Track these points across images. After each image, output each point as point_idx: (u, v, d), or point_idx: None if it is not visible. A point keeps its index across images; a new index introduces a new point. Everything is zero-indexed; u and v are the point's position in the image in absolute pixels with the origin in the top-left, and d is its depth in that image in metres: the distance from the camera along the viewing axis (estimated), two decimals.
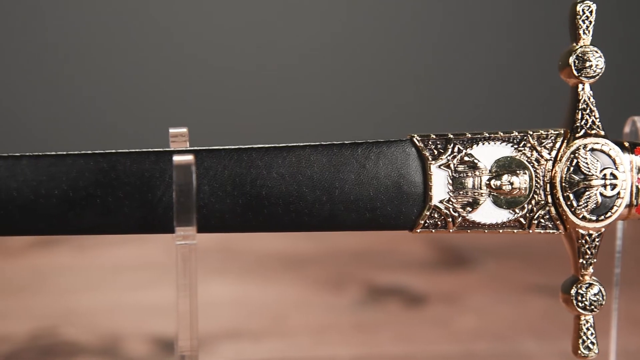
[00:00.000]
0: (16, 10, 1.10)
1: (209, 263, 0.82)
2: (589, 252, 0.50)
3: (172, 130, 0.50)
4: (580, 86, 0.50)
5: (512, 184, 0.49)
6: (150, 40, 1.13)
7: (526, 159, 0.49)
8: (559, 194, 0.49)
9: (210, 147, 0.49)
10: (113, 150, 0.48)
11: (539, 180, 0.49)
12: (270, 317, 0.75)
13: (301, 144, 0.49)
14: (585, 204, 0.49)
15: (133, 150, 0.48)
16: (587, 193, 0.49)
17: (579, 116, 0.50)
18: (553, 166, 0.49)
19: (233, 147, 0.49)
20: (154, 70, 1.14)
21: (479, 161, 0.49)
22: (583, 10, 0.50)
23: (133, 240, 0.87)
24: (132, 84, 1.13)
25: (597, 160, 0.49)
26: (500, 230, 0.50)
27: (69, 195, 0.47)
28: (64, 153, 0.47)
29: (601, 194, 0.49)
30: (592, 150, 0.49)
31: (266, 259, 0.85)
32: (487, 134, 0.49)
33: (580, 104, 0.50)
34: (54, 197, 0.47)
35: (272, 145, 0.49)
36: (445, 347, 0.70)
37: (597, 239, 0.49)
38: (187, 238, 0.47)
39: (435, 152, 0.49)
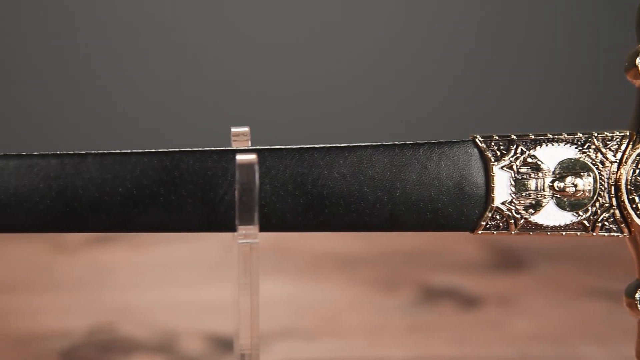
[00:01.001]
0: (85, 8, 1.11)
1: (262, 262, 0.82)
2: None
3: (234, 130, 0.50)
4: None
5: (575, 186, 0.48)
6: (215, 40, 1.14)
7: (590, 160, 0.49)
8: (624, 197, 0.48)
9: (272, 147, 0.49)
10: (176, 149, 0.49)
11: (603, 183, 0.48)
12: (323, 317, 0.75)
13: (363, 144, 0.49)
14: None
15: (196, 149, 0.49)
16: None
17: None
18: (618, 168, 0.48)
19: (295, 146, 0.49)
20: (216, 70, 1.15)
21: (542, 163, 0.49)
22: None
23: (188, 238, 0.88)
24: (194, 83, 1.14)
25: None
26: (563, 233, 0.49)
27: (132, 193, 0.48)
28: (128, 151, 0.48)
29: None
30: None
31: (319, 258, 0.86)
32: (550, 135, 0.49)
33: None
34: (118, 195, 0.48)
35: (334, 145, 0.49)
36: (500, 350, 0.70)
37: None
38: (249, 237, 0.48)
39: (498, 153, 0.49)
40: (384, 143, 0.49)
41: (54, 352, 0.69)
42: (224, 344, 0.71)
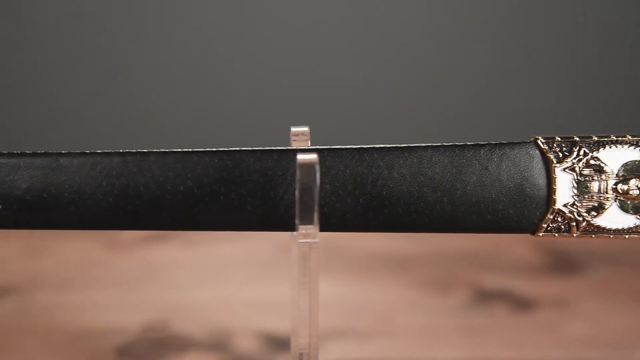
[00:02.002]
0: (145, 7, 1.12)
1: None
2: None
3: (293, 129, 0.51)
4: None
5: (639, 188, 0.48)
6: (275, 40, 1.14)
7: None
8: None
9: (332, 147, 0.49)
10: (237, 148, 0.49)
11: None
12: (376, 317, 0.75)
13: (423, 145, 0.49)
14: None
15: (256, 148, 0.49)
16: None
17: None
18: None
19: (355, 146, 0.49)
20: (276, 70, 1.15)
21: (605, 165, 0.48)
22: None
23: (241, 237, 0.88)
24: (254, 83, 1.15)
25: None
26: (626, 236, 0.48)
27: (193, 191, 0.48)
28: (190, 150, 0.49)
29: None
30: None
31: (371, 258, 0.85)
32: (614, 137, 0.48)
33: None
34: (180, 193, 0.48)
35: (394, 145, 0.49)
36: (555, 354, 0.69)
37: None
38: (309, 236, 0.48)
39: (560, 154, 0.48)
40: (444, 144, 0.49)
41: (109, 348, 0.70)
42: (278, 342, 0.71)
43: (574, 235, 0.48)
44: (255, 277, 0.82)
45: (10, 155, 0.47)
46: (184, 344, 0.71)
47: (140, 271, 0.82)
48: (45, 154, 0.48)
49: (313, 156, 0.47)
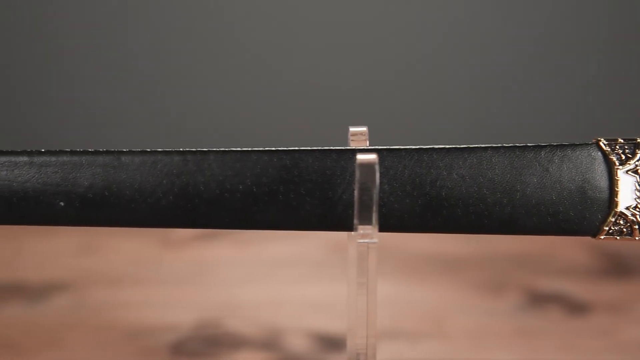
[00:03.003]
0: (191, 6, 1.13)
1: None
2: None
3: (352, 129, 0.51)
4: None
5: None
6: (332, 39, 1.14)
7: None
8: None
9: (391, 147, 0.49)
10: (296, 148, 0.49)
11: None
12: (427, 319, 0.75)
13: (482, 145, 0.49)
14: None
15: (315, 148, 0.49)
16: None
17: None
18: None
19: (414, 147, 0.49)
20: (333, 69, 1.15)
21: None
22: None
23: (291, 236, 0.88)
24: (312, 82, 1.15)
25: None
26: None
27: (252, 190, 0.48)
28: (249, 149, 0.49)
29: None
30: None
31: (422, 259, 0.85)
32: None
33: None
34: (239, 192, 0.48)
35: (453, 146, 0.49)
36: (610, 358, 0.68)
37: None
38: (367, 236, 0.48)
39: (623, 157, 0.48)
40: (504, 145, 0.49)
41: (163, 345, 0.70)
42: (330, 342, 0.71)
43: (637, 238, 0.48)
44: (306, 276, 0.83)
45: (73, 153, 0.48)
46: (236, 342, 0.71)
47: (192, 269, 0.83)
48: (108, 152, 0.48)
49: (373, 156, 0.47)
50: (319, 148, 0.49)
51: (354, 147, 0.49)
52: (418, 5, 1.15)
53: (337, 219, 0.49)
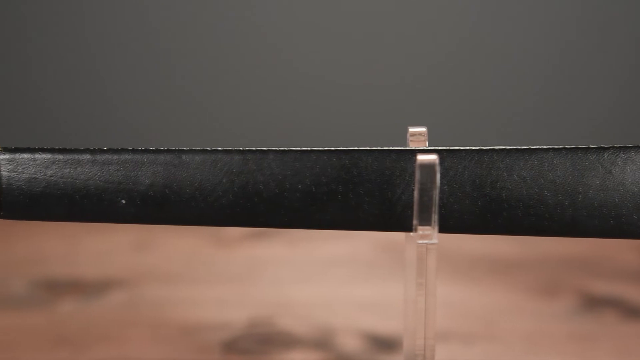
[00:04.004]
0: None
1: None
2: None
3: (411, 129, 0.50)
4: None
5: None
6: (390, 40, 1.14)
7: None
8: None
9: (451, 147, 0.49)
10: (355, 148, 0.49)
11: None
12: (480, 321, 0.74)
13: (544, 147, 0.48)
14: None
15: (374, 148, 0.49)
16: None
17: None
18: None
19: (474, 147, 0.49)
20: (390, 70, 1.15)
21: None
22: None
23: (341, 236, 0.88)
24: (371, 83, 1.15)
25: None
26: None
27: (311, 190, 0.48)
28: (308, 149, 0.49)
29: None
30: None
31: (474, 261, 0.84)
32: None
33: None
34: (298, 192, 0.48)
35: (514, 147, 0.49)
36: None
37: None
38: (427, 237, 0.47)
39: None
40: (566, 146, 0.48)
41: (216, 343, 0.71)
42: (382, 342, 0.71)
43: None
44: (357, 276, 0.83)
45: (134, 151, 0.48)
46: (288, 340, 0.72)
47: (244, 267, 0.83)
48: (168, 151, 0.49)
49: (433, 157, 0.47)
50: (379, 148, 0.49)
51: (413, 148, 0.49)
52: (482, 3, 1.14)
53: (396, 219, 0.49)
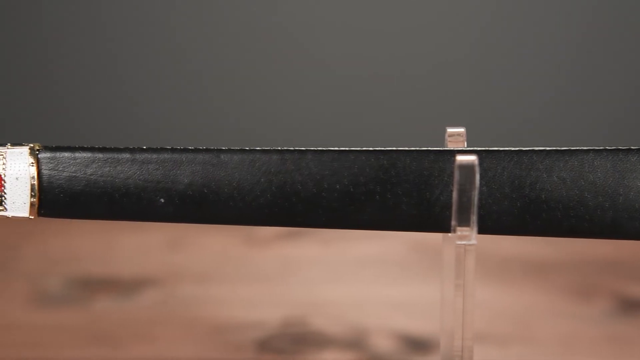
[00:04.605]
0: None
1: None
2: None
3: (449, 130, 0.50)
4: None
5: None
6: (426, 40, 1.14)
7: None
8: None
9: (490, 148, 0.49)
10: (393, 148, 0.49)
11: None
12: (514, 323, 0.74)
13: (584, 148, 0.48)
14: None
15: (413, 148, 0.49)
16: None
17: None
18: None
19: (513, 148, 0.48)
20: (428, 69, 1.15)
21: None
22: None
23: (374, 236, 0.88)
24: (408, 82, 1.15)
25: None
26: None
27: (349, 190, 0.48)
28: (347, 149, 0.49)
29: None
30: None
31: (508, 262, 0.84)
32: None
33: None
34: (336, 192, 0.48)
35: (554, 148, 0.48)
36: None
37: None
38: (466, 238, 0.47)
39: None
40: (607, 147, 0.48)
41: (249, 342, 0.71)
42: (416, 343, 0.71)
43: None
44: (390, 276, 0.82)
45: (173, 150, 0.49)
46: (321, 340, 0.72)
47: (277, 267, 0.83)
48: (207, 150, 0.49)
49: (472, 157, 0.46)
50: (417, 148, 0.49)
51: (452, 148, 0.48)
52: (521, 2, 1.13)
53: (434, 220, 0.48)
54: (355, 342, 0.72)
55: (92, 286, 0.79)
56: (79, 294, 0.78)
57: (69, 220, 0.50)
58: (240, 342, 0.71)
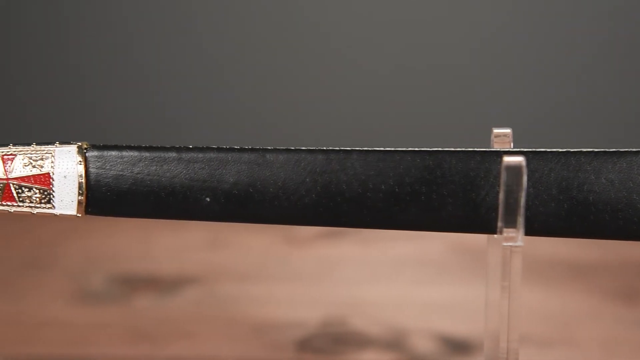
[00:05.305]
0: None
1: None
2: None
3: (496, 131, 0.50)
4: None
5: None
6: (476, 41, 1.13)
7: None
8: None
9: (537, 149, 0.48)
10: (439, 149, 0.49)
11: None
12: (558, 325, 0.73)
13: (633, 150, 0.47)
14: None
15: (459, 149, 0.48)
16: None
17: None
18: None
19: (560, 150, 0.48)
20: (474, 70, 1.14)
21: None
22: None
23: (413, 236, 0.88)
24: (453, 83, 1.14)
25: None
26: None
27: (394, 190, 0.48)
28: (392, 149, 0.49)
29: None
30: None
31: (551, 264, 0.83)
32: None
33: None
34: (381, 192, 0.48)
35: (602, 149, 0.48)
36: None
37: None
38: (512, 240, 0.47)
39: None
40: None
41: (290, 341, 0.71)
42: (456, 344, 0.71)
43: None
44: (428, 277, 0.82)
45: (219, 149, 0.49)
46: (361, 340, 0.72)
47: (317, 266, 0.83)
48: (253, 150, 0.49)
49: (520, 158, 0.46)
50: (463, 149, 0.48)
51: (499, 149, 0.48)
52: (566, 1, 1.12)
53: (480, 221, 0.48)
54: (395, 343, 0.71)
55: (133, 284, 0.79)
56: (120, 292, 0.78)
57: (110, 218, 0.50)
58: (280, 341, 0.71)
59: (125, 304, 0.77)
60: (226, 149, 0.49)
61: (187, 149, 0.49)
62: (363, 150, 0.49)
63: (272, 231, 0.86)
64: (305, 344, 0.71)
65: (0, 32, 1.12)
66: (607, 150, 0.48)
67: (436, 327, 0.73)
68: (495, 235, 0.48)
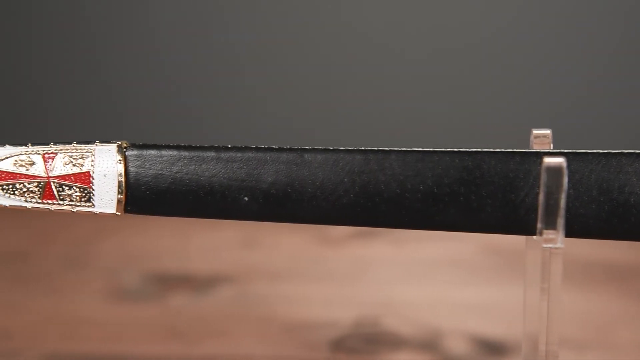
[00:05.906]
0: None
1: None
2: None
3: (535, 132, 0.50)
4: None
5: None
6: (516, 41, 1.13)
7: None
8: None
9: (577, 150, 0.48)
10: (478, 149, 0.48)
11: None
12: (595, 329, 0.73)
13: None
14: None
15: (498, 150, 0.48)
16: None
17: None
18: None
19: (601, 151, 0.48)
20: (513, 70, 1.14)
21: None
22: None
23: (446, 237, 0.88)
24: (493, 83, 1.14)
25: None
26: None
27: (433, 191, 0.48)
28: (431, 150, 0.48)
29: None
30: None
31: (590, 266, 0.83)
32: None
33: None
34: (419, 193, 0.48)
35: None
36: None
37: None
38: (552, 241, 0.47)
39: None
40: None
41: (323, 341, 0.71)
42: (491, 346, 0.70)
43: None
44: (462, 278, 0.82)
45: (258, 149, 0.49)
46: (395, 341, 0.72)
47: (350, 266, 0.83)
48: (291, 150, 0.49)
49: (560, 160, 0.46)
50: (502, 150, 0.48)
51: (539, 150, 0.48)
52: (607, 2, 1.11)
53: (519, 222, 0.48)
54: (429, 344, 0.71)
55: (168, 282, 0.80)
56: (155, 290, 0.79)
57: (146, 216, 0.51)
58: (314, 341, 0.71)
59: (160, 302, 0.77)
60: (264, 148, 0.49)
61: (226, 149, 0.49)
62: (402, 150, 0.48)
63: (306, 231, 0.86)
64: (338, 344, 0.71)
65: (41, 33, 1.13)
66: None
67: (470, 328, 0.73)
68: (534, 237, 0.48)
